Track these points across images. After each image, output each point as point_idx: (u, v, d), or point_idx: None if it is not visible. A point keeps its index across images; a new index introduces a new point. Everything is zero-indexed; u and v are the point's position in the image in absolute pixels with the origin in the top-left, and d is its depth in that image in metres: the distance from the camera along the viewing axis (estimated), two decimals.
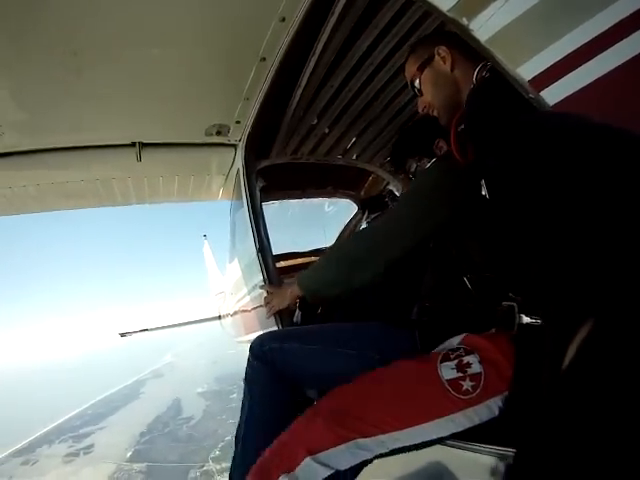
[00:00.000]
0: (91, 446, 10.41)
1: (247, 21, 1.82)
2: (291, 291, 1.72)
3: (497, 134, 0.92)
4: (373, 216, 2.54)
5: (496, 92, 1.06)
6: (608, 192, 0.64)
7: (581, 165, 0.71)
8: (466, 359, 1.08)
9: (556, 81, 0.86)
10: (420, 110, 1.48)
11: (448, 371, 1.07)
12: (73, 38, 1.77)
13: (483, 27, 0.95)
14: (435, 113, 1.42)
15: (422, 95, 1.43)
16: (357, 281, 1.43)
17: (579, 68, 0.82)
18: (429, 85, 1.39)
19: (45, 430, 11.81)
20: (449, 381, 1.05)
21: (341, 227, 3.81)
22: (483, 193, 1.17)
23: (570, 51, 0.83)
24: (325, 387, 1.31)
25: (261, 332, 3.01)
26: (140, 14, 1.72)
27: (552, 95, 0.88)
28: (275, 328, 2.44)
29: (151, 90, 2.27)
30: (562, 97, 0.86)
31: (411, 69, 1.44)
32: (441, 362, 1.10)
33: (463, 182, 1.26)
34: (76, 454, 10.00)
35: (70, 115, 2.35)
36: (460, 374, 1.05)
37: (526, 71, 0.90)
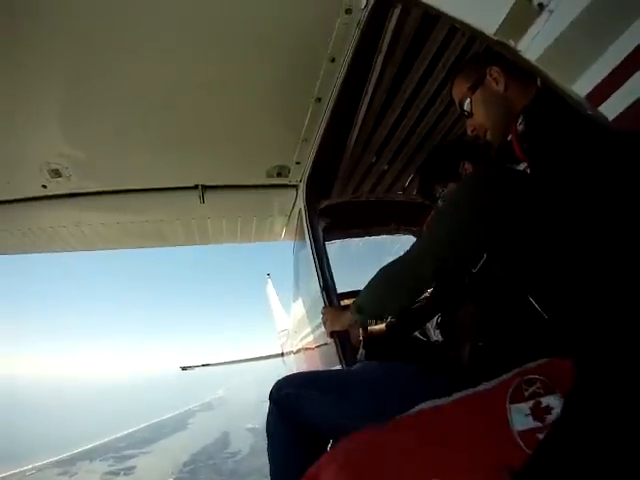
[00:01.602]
0: (132, 468, 10.46)
1: (299, 64, 1.85)
2: (345, 314, 1.64)
3: (564, 149, 0.90)
4: None
5: (556, 107, 1.00)
6: None
7: None
8: (545, 401, 0.81)
9: (613, 93, 0.78)
10: (469, 132, 1.40)
11: (520, 418, 0.81)
12: (136, 85, 1.85)
13: (530, 47, 0.90)
14: (487, 135, 1.35)
15: (472, 116, 1.37)
16: (396, 304, 1.36)
17: (633, 77, 0.75)
18: (481, 106, 1.33)
19: (89, 446, 12.04)
20: (522, 433, 0.79)
21: None
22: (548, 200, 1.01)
23: (620, 61, 0.76)
24: (341, 432, 1.20)
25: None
26: (198, 62, 1.77)
27: (610, 109, 0.80)
28: (338, 367, 2.37)
29: (211, 134, 2.32)
30: (621, 110, 0.79)
31: (461, 89, 1.39)
32: (511, 402, 0.84)
33: (500, 195, 1.12)
34: (116, 473, 10.07)
35: (134, 159, 2.45)
36: (537, 423, 0.79)
37: (581, 87, 0.83)
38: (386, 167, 2.87)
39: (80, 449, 11.97)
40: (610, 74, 0.78)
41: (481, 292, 1.26)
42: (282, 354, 6.93)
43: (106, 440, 12.79)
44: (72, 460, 11.11)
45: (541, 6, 0.84)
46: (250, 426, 13.66)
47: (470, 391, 0.96)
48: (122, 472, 9.97)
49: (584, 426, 0.72)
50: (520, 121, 1.10)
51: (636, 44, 0.73)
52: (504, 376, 0.94)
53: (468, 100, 1.35)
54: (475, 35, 1.09)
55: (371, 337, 2.39)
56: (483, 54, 1.43)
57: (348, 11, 1.58)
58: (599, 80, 0.80)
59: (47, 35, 1.54)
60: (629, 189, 0.81)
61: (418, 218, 3.69)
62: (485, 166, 1.56)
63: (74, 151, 2.24)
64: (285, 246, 3.96)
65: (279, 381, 1.46)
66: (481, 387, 0.94)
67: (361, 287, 3.19)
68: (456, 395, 0.99)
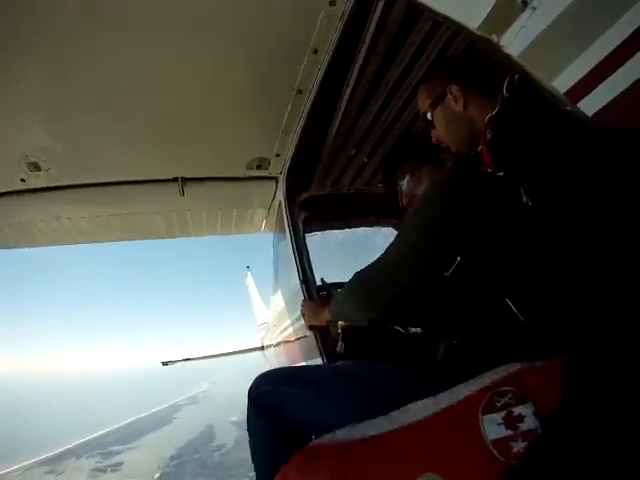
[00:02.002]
0: (119, 464, 10.37)
1: (281, 55, 1.84)
2: (323, 311, 1.65)
3: (540, 142, 0.91)
4: None
5: (528, 103, 1.03)
6: None
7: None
8: (517, 410, 0.83)
9: (593, 90, 0.82)
10: (434, 141, 1.43)
11: (493, 427, 0.83)
12: (115, 77, 1.84)
13: (514, 42, 0.93)
14: (450, 149, 1.38)
15: (434, 128, 1.39)
16: (371, 313, 1.31)
17: (615, 74, 0.79)
18: (441, 122, 1.35)
19: (76, 443, 11.89)
20: (495, 442, 0.82)
21: None
22: (524, 200, 0.99)
23: (603, 57, 0.79)
24: (320, 431, 1.22)
25: (303, 364, 2.98)
26: (179, 54, 1.77)
27: (589, 105, 0.85)
28: (319, 360, 2.40)
29: (191, 127, 2.31)
30: (600, 106, 0.83)
31: (424, 103, 1.41)
32: (484, 413, 0.86)
33: (474, 198, 1.09)
34: (103, 470, 9.97)
35: (113, 151, 2.43)
36: (510, 432, 0.82)
37: (561, 83, 0.87)
38: (366, 160, 2.88)
39: (67, 446, 11.83)
40: (591, 71, 0.82)
41: (456, 293, 1.23)
42: (262, 347, 6.89)
43: (92, 437, 12.65)
44: (59, 458, 10.98)
45: (525, 3, 0.88)
46: (235, 419, 13.66)
47: (443, 404, 0.98)
48: (109, 469, 9.90)
49: (573, 428, 0.75)
50: (488, 130, 1.11)
51: (618, 42, 0.77)
52: (476, 385, 0.96)
53: (430, 114, 1.37)
54: (458, 30, 1.13)
55: (350, 330, 2.38)
56: (446, 68, 1.44)
57: (332, 3, 1.58)
58: (580, 77, 0.84)
59: (29, 28, 1.53)
60: (605, 185, 0.82)
61: (398, 210, 3.69)
62: (457, 167, 1.49)
63: (53, 144, 2.22)
64: (265, 238, 3.96)
65: (257, 379, 1.44)
66: (454, 401, 0.96)
67: (341, 278, 3.24)
68: (430, 408, 1.00)
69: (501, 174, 1.04)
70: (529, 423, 0.81)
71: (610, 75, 0.80)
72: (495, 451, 0.80)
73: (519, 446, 0.79)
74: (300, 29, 1.71)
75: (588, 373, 0.79)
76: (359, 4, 1.55)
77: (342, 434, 1.12)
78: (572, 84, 0.85)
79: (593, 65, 0.81)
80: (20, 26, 1.51)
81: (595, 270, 0.82)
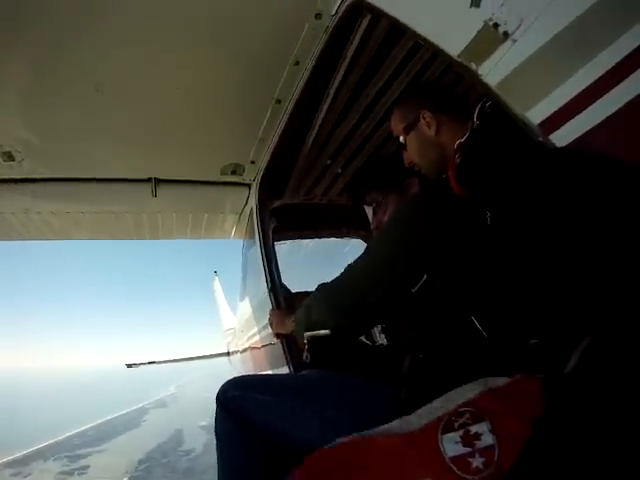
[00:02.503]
0: (86, 467, 10.06)
1: (263, 64, 1.86)
2: (289, 320, 1.64)
3: (505, 168, 0.92)
4: None
5: (498, 131, 1.05)
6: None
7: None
8: (474, 429, 0.86)
9: (565, 123, 0.85)
10: (406, 164, 1.44)
11: (452, 446, 0.85)
12: (96, 74, 1.83)
13: (491, 72, 0.96)
14: (422, 171, 1.40)
15: (406, 151, 1.41)
16: (335, 323, 1.33)
17: (588, 109, 0.81)
18: (415, 148, 1.37)
19: (42, 445, 11.49)
20: (453, 459, 0.83)
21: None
22: (488, 223, 1.01)
23: (579, 90, 0.81)
24: (292, 446, 1.21)
25: (269, 371, 2.98)
26: (160, 55, 1.77)
27: (561, 138, 0.87)
28: (285, 369, 2.40)
29: (169, 128, 2.31)
30: (571, 139, 0.85)
31: (397, 127, 1.42)
32: (443, 433, 0.89)
33: (440, 220, 1.11)
34: (70, 473, 9.65)
35: (89, 148, 2.41)
36: (467, 449, 0.84)
37: (535, 115, 0.89)
38: (339, 171, 2.90)
39: (33, 448, 11.50)
40: (564, 105, 0.84)
41: (422, 309, 1.25)
42: (228, 353, 6.89)
43: (59, 438, 12.32)
44: (25, 460, 10.66)
45: (506, 34, 0.91)
46: (203, 423, 13.46)
47: (404, 428, 1.00)
48: (76, 472, 9.64)
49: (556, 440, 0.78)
50: (457, 155, 1.13)
51: (594, 78, 0.79)
52: (438, 408, 0.98)
53: (402, 138, 1.39)
54: (438, 54, 1.13)
55: (315, 340, 2.42)
56: (419, 93, 1.45)
57: (318, 16, 1.61)
58: (553, 110, 0.86)
59: (11, 18, 1.52)
60: (565, 209, 0.84)
61: (368, 223, 3.68)
62: (427, 189, 1.49)
63: (29, 135, 2.19)
64: (233, 244, 3.99)
65: (225, 384, 1.42)
66: (414, 426, 0.98)
67: (308, 289, 3.26)
68: (395, 428, 1.02)
69: (466, 196, 1.07)
70: (486, 440, 0.84)
71: (585, 109, 0.82)
72: (454, 467, 0.83)
73: (477, 462, 0.82)
74: (284, 40, 1.73)
75: (551, 391, 0.83)
76: (344, 20, 1.58)
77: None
78: (547, 116, 0.88)
79: (569, 98, 0.83)
80: (3, 16, 1.51)
81: (555, 290, 0.86)
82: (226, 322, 7.90)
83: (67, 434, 12.65)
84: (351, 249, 3.79)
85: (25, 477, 9.50)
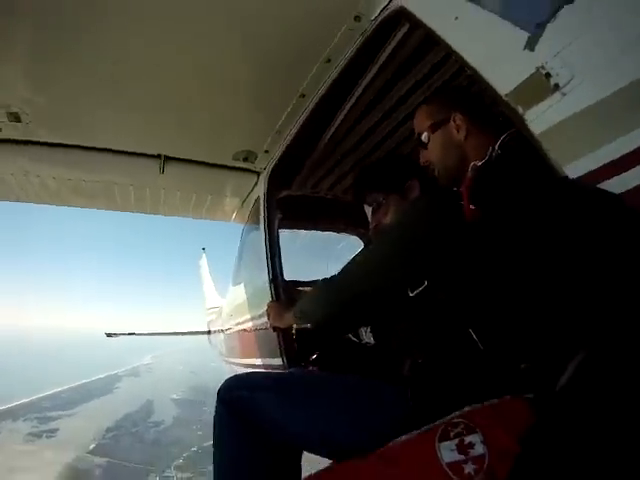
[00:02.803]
0: (55, 430, 10.12)
1: (293, 57, 1.85)
2: (288, 314, 1.61)
3: (515, 196, 0.94)
4: None
5: (521, 160, 1.06)
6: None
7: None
8: (468, 439, 0.95)
9: (600, 183, 0.85)
10: (421, 162, 1.42)
11: (448, 453, 0.94)
12: (114, 44, 1.78)
13: (537, 120, 0.96)
14: (435, 173, 1.37)
15: (426, 149, 1.38)
16: (331, 317, 1.35)
17: (625, 173, 0.82)
18: (437, 148, 1.34)
19: (12, 405, 11.53)
20: (450, 464, 0.93)
21: (346, 260, 3.68)
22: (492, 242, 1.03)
23: (617, 157, 0.82)
24: (297, 443, 1.25)
25: (258, 359, 3.03)
26: (184, 32, 1.73)
27: None
28: (277, 360, 2.43)
29: (185, 108, 2.28)
30: None
31: (423, 122, 1.39)
32: (440, 441, 0.97)
33: (444, 226, 1.12)
34: (39, 435, 9.72)
35: (99, 117, 2.35)
36: (462, 456, 0.93)
37: (572, 171, 0.90)
38: (348, 169, 2.92)
39: (2, 407, 11.48)
40: (602, 167, 0.84)
41: (418, 314, 1.27)
42: (209, 332, 6.82)
43: (30, 399, 12.31)
44: None
45: (557, 86, 0.91)
46: (175, 397, 13.55)
47: (403, 437, 1.06)
48: (44, 434, 9.69)
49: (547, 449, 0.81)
50: (471, 178, 1.12)
51: (635, 146, 0.79)
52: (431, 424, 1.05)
53: (426, 135, 1.36)
54: (485, 89, 1.11)
55: (303, 332, 2.42)
56: (453, 95, 1.43)
57: (357, 18, 1.61)
58: (591, 169, 0.86)
59: None
60: (566, 232, 0.85)
61: (367, 222, 3.73)
62: (433, 192, 1.46)
63: (38, 98, 2.12)
64: (223, 224, 4.01)
65: (228, 381, 1.39)
66: (414, 433, 1.05)
67: (303, 279, 3.27)
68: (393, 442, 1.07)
69: (474, 218, 1.06)
70: (478, 449, 0.91)
71: (617, 175, 0.83)
72: (450, 472, 0.91)
73: (469, 468, 0.90)
74: (319, 37, 1.73)
75: (540, 409, 0.88)
76: (383, 25, 1.57)
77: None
78: (582, 174, 0.88)
79: (604, 162, 0.84)
80: None
81: (551, 309, 0.89)
82: (209, 300, 7.88)
83: (39, 395, 12.69)
84: (347, 245, 3.83)
85: None
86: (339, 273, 1.32)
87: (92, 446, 9.18)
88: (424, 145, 1.38)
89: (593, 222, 0.83)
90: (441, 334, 1.20)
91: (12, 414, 11.12)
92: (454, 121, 1.29)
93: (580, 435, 0.77)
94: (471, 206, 1.06)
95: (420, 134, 1.39)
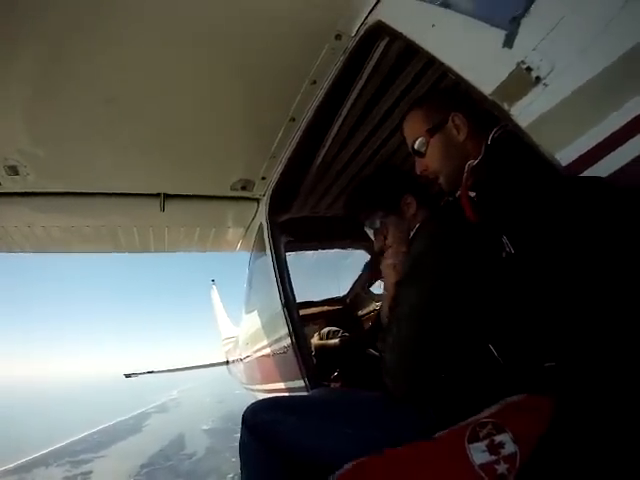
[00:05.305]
0: (89, 473, 10.11)
1: (280, 82, 1.87)
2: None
3: (523, 192, 0.94)
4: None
5: (514, 153, 1.06)
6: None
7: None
8: (498, 438, 0.95)
9: (591, 166, 0.87)
10: (418, 171, 1.36)
11: (479, 454, 0.93)
12: (107, 87, 1.79)
13: (522, 113, 0.98)
14: (439, 180, 1.32)
15: (423, 157, 1.33)
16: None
17: (611, 154, 0.83)
18: (438, 152, 1.29)
19: (44, 452, 11.56)
20: (482, 466, 0.92)
21: (355, 276, 3.72)
22: (507, 250, 1.01)
23: (604, 137, 0.83)
24: (323, 466, 1.20)
25: (280, 384, 3.01)
26: (172, 69, 1.74)
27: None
28: (300, 381, 2.40)
29: (179, 144, 2.28)
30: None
31: (417, 128, 1.33)
32: (469, 442, 0.97)
33: (461, 252, 1.12)
34: (73, 479, 9.77)
35: (97, 161, 2.36)
36: (493, 457, 0.92)
37: (563, 157, 0.90)
38: (345, 186, 2.91)
39: (35, 455, 11.52)
40: (592, 149, 0.85)
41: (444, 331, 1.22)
42: (227, 362, 6.85)
43: (61, 445, 12.34)
44: (28, 467, 10.70)
45: (538, 79, 0.93)
46: (205, 427, 13.48)
47: (431, 436, 1.06)
48: (79, 477, 9.69)
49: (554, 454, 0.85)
50: (469, 178, 1.13)
51: (621, 124, 0.80)
52: (460, 423, 1.05)
53: (423, 141, 1.30)
54: (470, 91, 1.12)
55: (324, 349, 2.45)
56: (446, 96, 1.39)
57: (338, 37, 1.63)
58: (581, 153, 0.87)
59: (19, 26, 1.47)
60: (582, 237, 0.83)
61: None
62: (435, 214, 1.45)
63: (35, 149, 2.14)
64: (229, 255, 4.04)
65: (253, 406, 1.38)
66: (440, 433, 1.05)
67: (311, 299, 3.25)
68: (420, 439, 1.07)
69: (478, 220, 1.07)
70: (509, 448, 0.92)
71: (609, 154, 0.83)
72: (482, 473, 0.90)
73: (502, 468, 0.90)
74: (303, 59, 1.74)
75: (562, 409, 0.89)
76: (364, 40, 1.58)
77: None
78: (573, 159, 0.89)
79: (593, 145, 0.85)
80: (7, 24, 1.46)
81: (572, 322, 0.86)
82: (224, 331, 7.91)
83: (69, 440, 12.69)
84: (353, 260, 3.88)
85: None
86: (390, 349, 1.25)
87: None
88: (420, 153, 1.33)
89: (596, 220, 0.82)
90: (462, 351, 1.19)
91: (44, 461, 11.13)
92: (453, 121, 1.26)
93: (597, 431, 0.80)
94: (472, 211, 1.09)
95: (414, 141, 1.34)
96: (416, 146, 1.33)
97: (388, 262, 1.44)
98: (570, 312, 0.86)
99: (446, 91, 1.74)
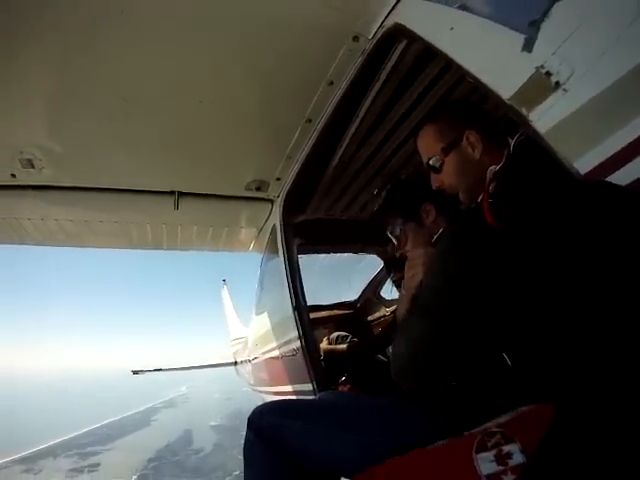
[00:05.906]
0: (96, 465, 10.22)
1: (298, 83, 1.86)
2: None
3: (545, 198, 0.91)
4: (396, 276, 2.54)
5: (533, 162, 1.05)
6: None
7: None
8: (506, 449, 0.92)
9: (611, 174, 0.85)
10: (434, 187, 1.34)
11: (487, 464, 0.91)
12: (125, 85, 1.80)
13: (541, 119, 0.96)
14: (458, 195, 1.30)
15: (439, 173, 1.30)
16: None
17: (633, 162, 0.81)
18: (453, 170, 1.27)
19: (52, 443, 11.73)
20: (489, 476, 0.90)
21: (367, 280, 3.74)
22: (527, 257, 0.98)
23: (625, 145, 0.82)
24: (330, 472, 1.22)
25: (288, 386, 3.01)
26: (189, 68, 1.74)
27: None
28: (307, 385, 2.39)
29: (195, 143, 2.28)
30: None
31: (432, 145, 1.31)
32: (477, 452, 0.94)
33: (482, 259, 1.05)
34: (80, 470, 9.83)
35: (112, 158, 2.37)
36: (501, 467, 0.90)
37: (582, 165, 0.89)
38: (360, 189, 2.89)
39: (43, 446, 11.69)
40: (612, 156, 0.83)
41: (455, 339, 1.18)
42: (235, 362, 6.83)
43: (69, 437, 12.52)
44: (35, 457, 10.88)
45: (558, 84, 0.92)
46: (213, 423, 13.56)
47: (439, 444, 1.06)
48: (86, 469, 9.81)
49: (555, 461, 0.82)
50: (492, 183, 1.10)
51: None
52: (469, 431, 1.05)
53: (438, 159, 1.28)
54: (488, 95, 1.11)
55: (332, 355, 2.46)
56: (458, 111, 1.36)
57: (355, 38, 1.62)
58: (601, 161, 0.85)
59: (38, 22, 1.48)
60: (601, 245, 0.81)
61: (384, 239, 3.70)
62: (455, 220, 1.45)
63: (51, 143, 2.16)
64: (241, 254, 4.08)
65: (259, 409, 1.38)
66: (448, 441, 1.05)
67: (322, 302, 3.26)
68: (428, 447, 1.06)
69: (499, 226, 1.05)
70: (517, 459, 0.89)
71: (630, 161, 0.81)
72: None
73: (509, 479, 0.87)
74: (320, 60, 1.73)
75: (570, 418, 0.85)
76: (381, 42, 1.57)
77: None
78: (592, 167, 0.87)
79: (612, 153, 0.83)
80: (29, 19, 1.46)
81: (587, 333, 0.84)
82: (234, 331, 7.88)
83: (78, 432, 12.88)
84: (365, 264, 3.87)
85: (36, 474, 9.66)
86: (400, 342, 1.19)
87: (134, 477, 9.20)
88: (436, 169, 1.31)
89: (616, 228, 0.80)
90: (475, 359, 1.15)
91: (52, 452, 11.27)
92: (467, 139, 1.23)
93: (601, 438, 0.77)
94: (493, 217, 1.06)
95: (430, 158, 1.31)
96: (431, 162, 1.31)
97: (413, 262, 1.41)
98: (589, 321, 0.84)
99: (458, 104, 1.71)
